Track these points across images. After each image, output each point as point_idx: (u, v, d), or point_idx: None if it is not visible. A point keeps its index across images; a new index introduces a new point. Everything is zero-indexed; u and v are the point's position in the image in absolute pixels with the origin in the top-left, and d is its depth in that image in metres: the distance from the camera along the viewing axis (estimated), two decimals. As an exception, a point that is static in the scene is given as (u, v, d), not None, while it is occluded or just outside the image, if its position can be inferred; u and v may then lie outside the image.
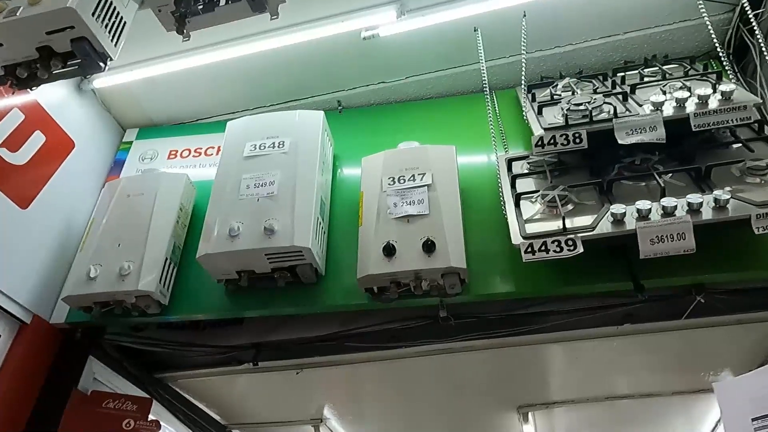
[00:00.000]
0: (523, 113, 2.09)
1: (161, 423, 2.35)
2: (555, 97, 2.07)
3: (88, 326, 2.16)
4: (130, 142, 2.69)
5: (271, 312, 2.04)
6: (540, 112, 1.98)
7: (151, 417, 2.17)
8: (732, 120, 1.70)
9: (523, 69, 2.07)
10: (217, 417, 2.85)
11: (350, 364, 2.34)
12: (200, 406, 2.71)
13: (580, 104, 1.87)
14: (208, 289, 2.04)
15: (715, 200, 1.56)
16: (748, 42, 2.16)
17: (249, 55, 2.31)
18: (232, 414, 2.85)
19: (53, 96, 2.35)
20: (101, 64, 1.53)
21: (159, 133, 2.71)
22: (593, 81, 2.19)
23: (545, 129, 1.82)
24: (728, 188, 1.61)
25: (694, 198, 1.57)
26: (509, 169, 2.00)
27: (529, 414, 2.74)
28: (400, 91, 2.57)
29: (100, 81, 2.48)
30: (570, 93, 2.07)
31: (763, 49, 1.87)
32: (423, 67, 2.50)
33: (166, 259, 2.04)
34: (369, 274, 1.77)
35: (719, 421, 2.79)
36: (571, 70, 2.40)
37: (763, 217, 1.51)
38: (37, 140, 2.23)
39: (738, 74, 2.14)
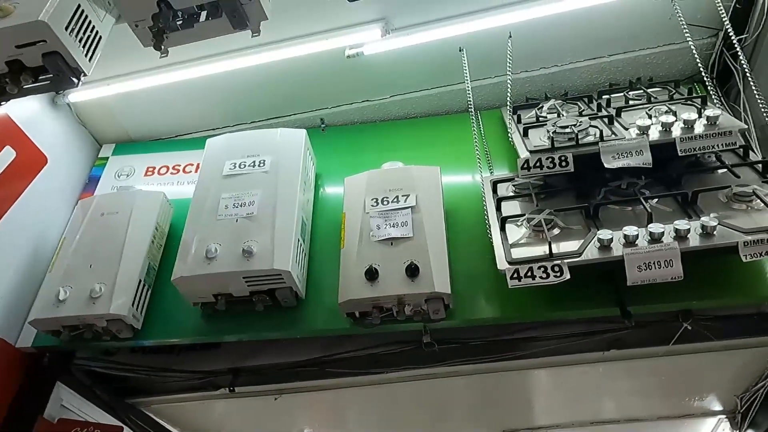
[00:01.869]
0: (509, 134, 2.07)
1: (132, 451, 2.26)
2: (540, 118, 2.05)
3: (56, 351, 2.07)
4: (106, 158, 2.61)
5: (249, 336, 1.97)
6: (525, 134, 1.96)
7: (121, 445, 2.09)
8: (718, 145, 1.69)
9: (509, 90, 2.05)
10: (192, 443, 2.75)
11: (331, 390, 2.27)
12: (174, 432, 2.62)
13: (566, 127, 1.84)
14: (184, 312, 1.96)
15: (702, 227, 1.54)
16: (732, 66, 2.18)
17: (230, 71, 2.26)
18: (208, 440, 2.76)
19: (25, 110, 2.26)
20: (74, 79, 1.47)
21: (136, 149, 2.64)
22: (578, 103, 2.18)
23: (531, 152, 1.80)
24: (715, 214, 1.59)
25: (682, 224, 1.55)
26: (494, 191, 1.97)
27: (514, 439, 2.70)
28: (384, 109, 2.54)
29: (76, 95, 2.41)
30: (555, 115, 2.05)
31: (747, 73, 1.87)
32: (407, 86, 2.47)
33: (140, 281, 1.97)
34: (351, 298, 1.71)
35: (704, 446, 2.78)
36: (557, 91, 2.39)
37: (750, 244, 1.49)
38: (7, 156, 2.14)
39: (722, 99, 2.15)
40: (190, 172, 2.47)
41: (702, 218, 1.56)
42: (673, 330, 1.85)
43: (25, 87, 1.47)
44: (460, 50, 2.21)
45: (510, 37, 2.13)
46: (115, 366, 2.15)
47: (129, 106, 2.52)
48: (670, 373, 2.23)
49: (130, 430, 2.30)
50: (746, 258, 1.49)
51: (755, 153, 1.88)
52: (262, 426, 2.64)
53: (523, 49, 2.19)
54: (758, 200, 1.62)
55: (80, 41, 1.44)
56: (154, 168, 2.53)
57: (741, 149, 1.83)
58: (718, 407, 2.48)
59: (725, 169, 1.81)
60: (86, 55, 1.47)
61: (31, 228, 2.19)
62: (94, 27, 1.49)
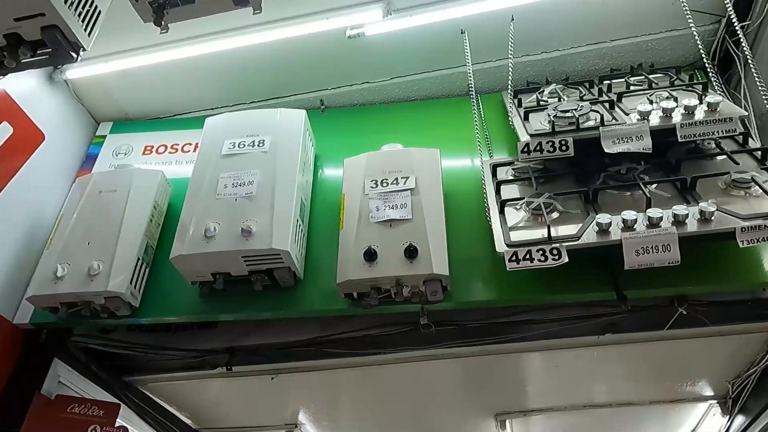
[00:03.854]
0: (509, 118, 2.07)
1: (129, 428, 2.26)
2: (541, 103, 2.05)
3: (53, 327, 2.07)
4: (104, 136, 2.60)
5: (247, 316, 1.98)
6: (526, 118, 1.95)
7: (119, 422, 2.09)
8: (718, 132, 1.69)
9: (510, 73, 2.04)
10: (188, 421, 2.77)
11: (328, 370, 2.28)
12: (171, 410, 2.63)
13: (567, 111, 1.85)
14: (182, 291, 1.97)
15: (701, 212, 1.55)
16: (733, 54, 2.17)
17: (230, 50, 2.25)
18: (204, 418, 2.78)
19: (23, 86, 2.25)
20: (73, 54, 1.45)
21: (134, 128, 2.62)
22: (580, 88, 2.17)
23: (532, 135, 1.80)
24: (713, 200, 1.60)
25: (680, 209, 1.56)
26: (494, 174, 1.97)
27: (507, 421, 2.72)
28: (384, 91, 2.53)
29: (74, 72, 2.38)
30: (556, 99, 2.05)
31: (749, 61, 1.87)
32: (408, 69, 2.46)
33: (138, 259, 1.97)
34: (349, 279, 1.72)
35: (694, 431, 2.81)
36: (558, 76, 2.38)
37: (747, 230, 1.50)
38: (3, 132, 2.12)
39: (723, 85, 2.15)
40: (189, 151, 2.47)
41: (700, 204, 1.57)
42: (668, 315, 1.87)
43: (23, 61, 1.45)
44: (461, 33, 2.20)
45: (512, 20, 2.12)
46: (112, 343, 2.15)
47: (127, 84, 2.50)
48: (664, 358, 2.25)
49: (126, 407, 2.31)
50: (743, 244, 1.50)
51: (754, 140, 1.89)
52: (258, 405, 2.67)
53: (525, 33, 2.18)
54: (756, 187, 1.63)
55: (79, 15, 1.42)
56: (153, 147, 2.52)
57: (740, 136, 1.85)
58: (709, 392, 2.51)
59: (724, 156, 1.81)
60: (85, 30, 1.45)
61: (28, 204, 2.18)
62: (93, 1, 1.46)
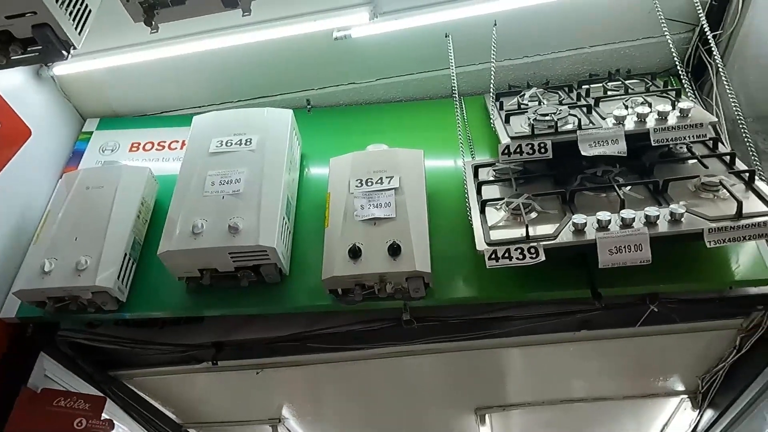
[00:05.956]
0: (491, 121, 2.12)
1: (114, 422, 2.29)
2: (522, 106, 2.11)
3: (40, 322, 2.09)
4: (91, 133, 2.60)
5: (233, 311, 2.01)
6: (507, 121, 2.01)
7: (104, 416, 2.12)
8: (689, 137, 1.77)
9: (492, 77, 2.10)
10: (172, 416, 2.79)
11: (312, 365, 2.32)
12: (156, 404, 2.65)
13: (546, 115, 1.91)
14: (169, 286, 2.00)
15: (671, 214, 1.62)
16: (706, 61, 2.26)
17: (219, 49, 2.27)
18: (189, 413, 2.80)
19: (9, 81, 2.25)
20: (64, 52, 1.47)
21: (121, 125, 2.63)
22: (559, 92, 2.24)
23: (512, 138, 1.86)
24: (683, 203, 1.67)
25: (652, 211, 1.63)
26: (475, 175, 2.03)
27: (487, 416, 2.78)
28: (370, 93, 2.58)
29: (61, 68, 2.39)
30: (536, 103, 2.11)
31: (720, 69, 1.95)
32: (393, 70, 2.51)
33: (126, 254, 1.99)
34: (334, 275, 1.77)
35: (666, 425, 2.90)
36: (539, 80, 2.45)
37: (715, 231, 1.58)
38: (-10, 126, 2.14)
39: (696, 92, 2.23)
40: (176, 149, 2.49)
41: (671, 206, 1.64)
42: (641, 312, 1.94)
43: (13, 58, 1.47)
44: (446, 36, 2.25)
45: (495, 25, 2.18)
46: (98, 338, 2.17)
47: (114, 80, 2.51)
48: (637, 353, 2.33)
49: (111, 401, 2.33)
50: (710, 244, 1.58)
51: (724, 145, 1.96)
52: (243, 400, 2.69)
53: (508, 38, 2.23)
54: (724, 190, 1.70)
55: (70, 14, 1.44)
56: (140, 144, 2.53)
57: (711, 141, 1.92)
58: (680, 387, 2.59)
59: (695, 160, 1.89)
60: (76, 28, 1.47)
61: (14, 200, 2.19)
62: (84, 0, 1.49)
